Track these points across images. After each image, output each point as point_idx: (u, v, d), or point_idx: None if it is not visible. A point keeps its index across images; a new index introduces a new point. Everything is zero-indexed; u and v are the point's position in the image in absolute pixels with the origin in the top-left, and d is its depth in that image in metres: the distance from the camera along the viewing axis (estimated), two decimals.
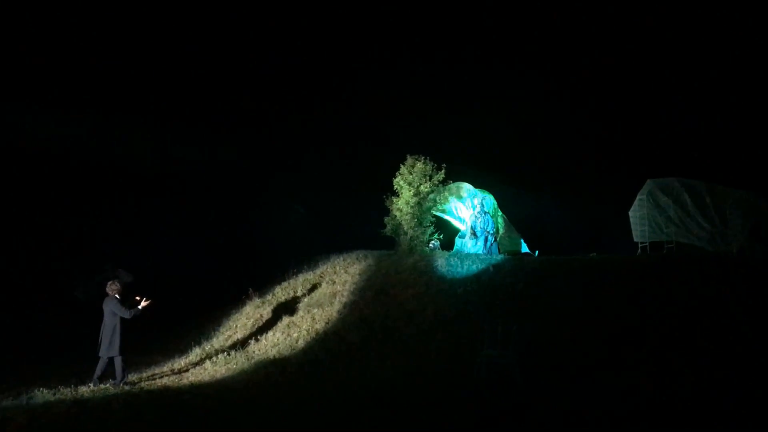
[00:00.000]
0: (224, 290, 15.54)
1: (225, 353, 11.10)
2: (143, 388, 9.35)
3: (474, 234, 14.97)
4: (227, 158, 22.28)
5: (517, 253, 15.27)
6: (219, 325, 13.32)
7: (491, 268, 12.49)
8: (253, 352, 11.13)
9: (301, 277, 14.29)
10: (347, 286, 12.90)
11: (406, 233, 14.39)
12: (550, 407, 7.91)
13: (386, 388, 8.95)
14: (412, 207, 14.32)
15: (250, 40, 24.68)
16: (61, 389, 8.93)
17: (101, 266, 16.30)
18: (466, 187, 16.10)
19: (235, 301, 14.38)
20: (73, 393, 8.84)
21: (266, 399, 8.62)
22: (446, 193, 15.88)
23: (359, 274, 13.28)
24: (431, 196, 14.78)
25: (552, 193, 19.87)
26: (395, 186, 14.74)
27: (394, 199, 14.71)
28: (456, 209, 16.36)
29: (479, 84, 23.98)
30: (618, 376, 8.69)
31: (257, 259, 17.83)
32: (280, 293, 13.73)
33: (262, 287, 14.59)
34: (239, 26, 24.84)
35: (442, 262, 13.04)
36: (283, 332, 11.71)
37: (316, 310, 12.20)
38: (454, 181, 15.53)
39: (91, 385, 9.24)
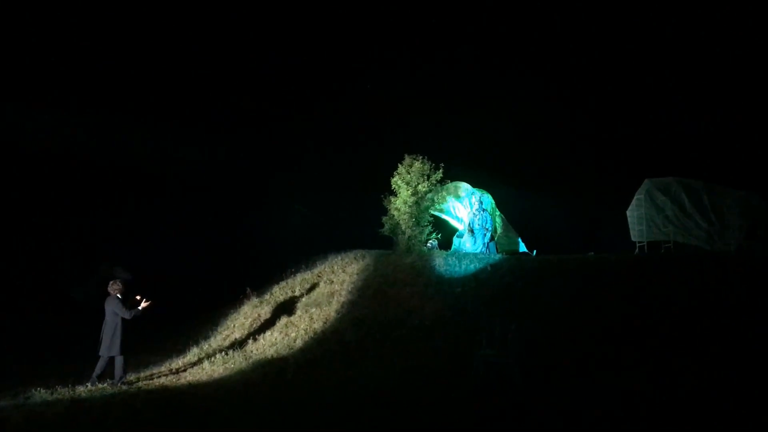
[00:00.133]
0: (222, 290, 15.54)
1: (223, 353, 11.12)
2: (141, 387, 9.37)
3: (471, 231, 14.98)
4: (227, 158, 22.32)
5: (515, 252, 15.30)
6: (217, 325, 13.33)
7: (489, 268, 12.51)
8: (251, 351, 11.14)
9: (299, 277, 14.30)
10: (345, 286, 12.91)
11: (404, 233, 14.39)
12: (549, 406, 7.91)
13: (384, 387, 8.95)
14: (410, 206, 14.33)
15: (251, 40, 24.74)
16: (59, 389, 8.95)
17: (98, 266, 16.31)
18: (464, 187, 16.10)
19: (233, 301, 14.39)
20: (71, 393, 8.86)
21: (264, 399, 8.62)
22: (444, 193, 15.89)
23: (357, 274, 13.29)
24: (429, 195, 14.79)
25: (550, 193, 19.87)
26: (393, 185, 14.74)
27: (392, 199, 14.73)
28: (454, 209, 16.37)
29: (477, 84, 24.04)
30: (616, 376, 8.68)
31: (255, 259, 17.83)
32: (278, 293, 13.74)
33: (260, 287, 14.59)
34: (239, 26, 24.90)
35: (440, 262, 13.05)
36: (281, 332, 11.72)
37: (314, 310, 12.21)
38: (451, 181, 15.55)
39: (89, 384, 9.26)
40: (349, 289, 12.72)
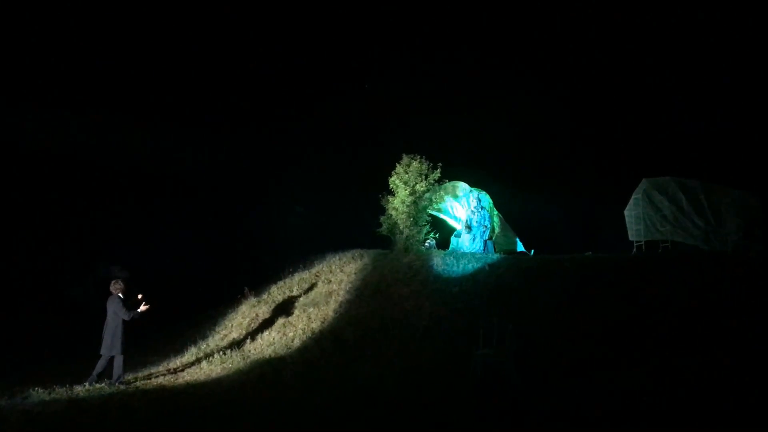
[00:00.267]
0: (220, 289, 15.55)
1: (221, 353, 11.13)
2: (139, 387, 9.39)
3: (468, 228, 14.99)
4: (226, 158, 22.32)
5: (513, 252, 15.31)
6: (215, 325, 13.34)
7: (487, 267, 12.53)
8: (249, 351, 11.15)
9: (297, 277, 14.31)
10: (343, 285, 12.92)
11: (402, 232, 14.40)
12: (546, 406, 7.93)
13: (382, 386, 8.98)
14: (407, 206, 14.33)
15: (251, 39, 24.73)
16: (57, 389, 8.97)
17: (96, 266, 16.33)
18: (462, 186, 16.12)
19: (231, 301, 14.40)
20: (69, 392, 8.87)
21: (262, 398, 8.64)
22: (442, 192, 15.90)
23: (355, 273, 13.30)
24: (427, 195, 14.80)
25: (547, 193, 19.90)
26: (391, 185, 14.74)
27: (390, 198, 14.73)
28: (452, 208, 16.39)
29: (475, 83, 24.03)
30: (614, 375, 8.71)
31: (253, 259, 17.85)
32: (276, 292, 13.75)
33: (258, 286, 14.60)
34: (239, 26, 24.89)
35: (438, 261, 13.07)
36: (279, 331, 11.74)
37: (312, 309, 12.23)
38: (449, 180, 15.56)
39: (87, 384, 9.28)
40: (347, 288, 12.74)
